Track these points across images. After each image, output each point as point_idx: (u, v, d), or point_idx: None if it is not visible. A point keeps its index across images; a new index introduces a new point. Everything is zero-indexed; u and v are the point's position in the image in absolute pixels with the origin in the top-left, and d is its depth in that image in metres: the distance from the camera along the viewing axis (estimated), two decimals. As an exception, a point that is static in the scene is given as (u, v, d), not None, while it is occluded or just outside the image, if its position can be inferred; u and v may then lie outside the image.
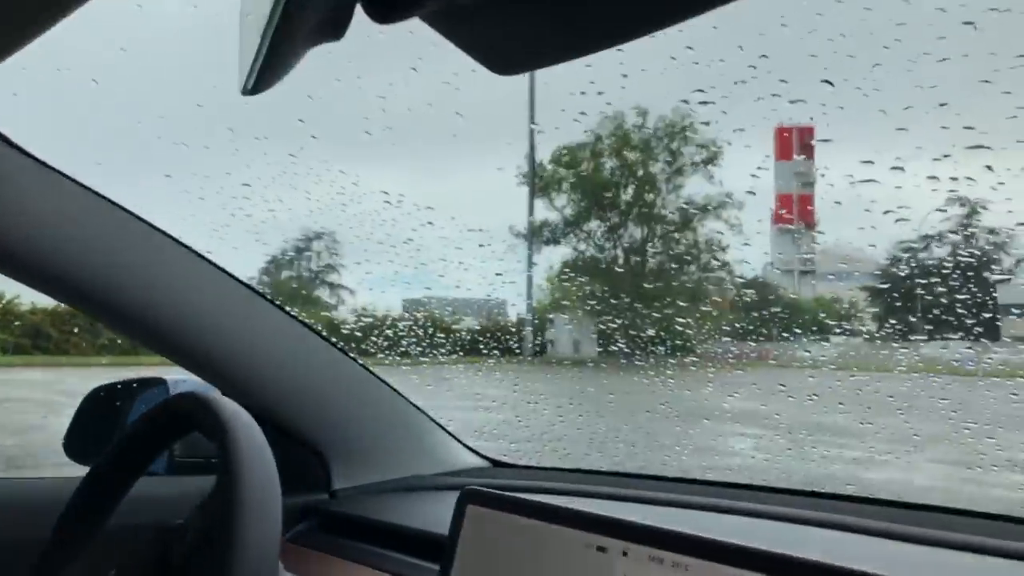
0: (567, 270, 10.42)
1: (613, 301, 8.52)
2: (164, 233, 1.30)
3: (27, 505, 1.38)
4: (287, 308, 1.45)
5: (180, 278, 1.33)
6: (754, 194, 9.53)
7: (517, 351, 8.33)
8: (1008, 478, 2.99)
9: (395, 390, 1.60)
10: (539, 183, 10.29)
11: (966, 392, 3.13)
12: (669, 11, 0.43)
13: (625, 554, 0.76)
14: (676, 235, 10.59)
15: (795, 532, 1.16)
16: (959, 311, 3.41)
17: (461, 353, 6.77)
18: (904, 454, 3.40)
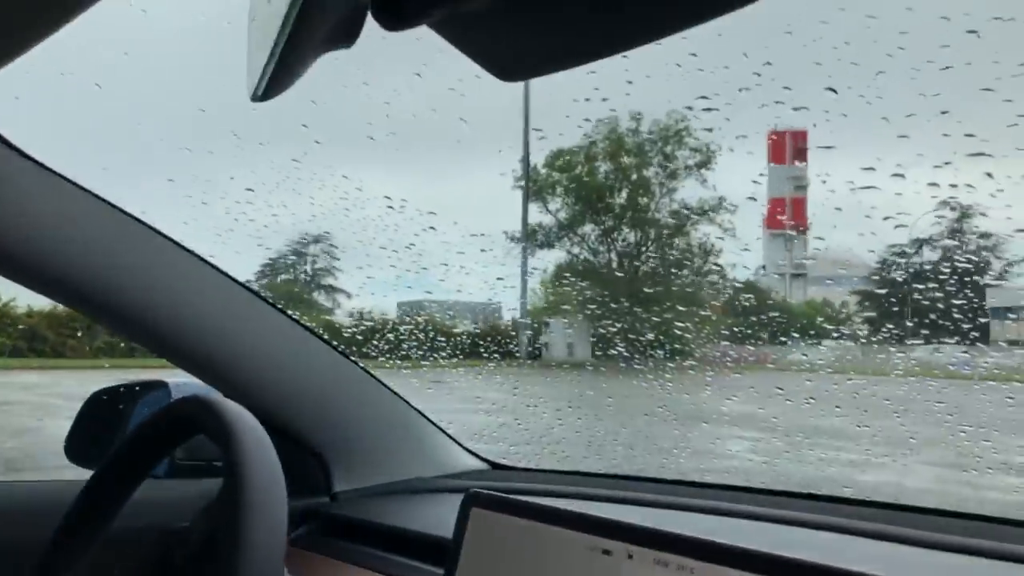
0: (563, 274, 10.43)
1: (610, 305, 8.53)
2: (164, 236, 1.30)
3: (28, 509, 1.38)
4: (288, 311, 1.46)
5: (181, 280, 1.33)
6: (755, 200, 9.56)
7: (513, 354, 8.33)
8: (1003, 481, 3.01)
9: (395, 393, 1.61)
10: (533, 187, 10.29)
11: (962, 396, 3.14)
12: (673, 19, 0.44)
13: (630, 557, 0.77)
14: (671, 239, 10.61)
15: (793, 534, 1.17)
16: (953, 315, 3.43)
17: (461, 356, 6.77)
18: (900, 456, 3.41)
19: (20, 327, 7.32)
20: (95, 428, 1.52)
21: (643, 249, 10.71)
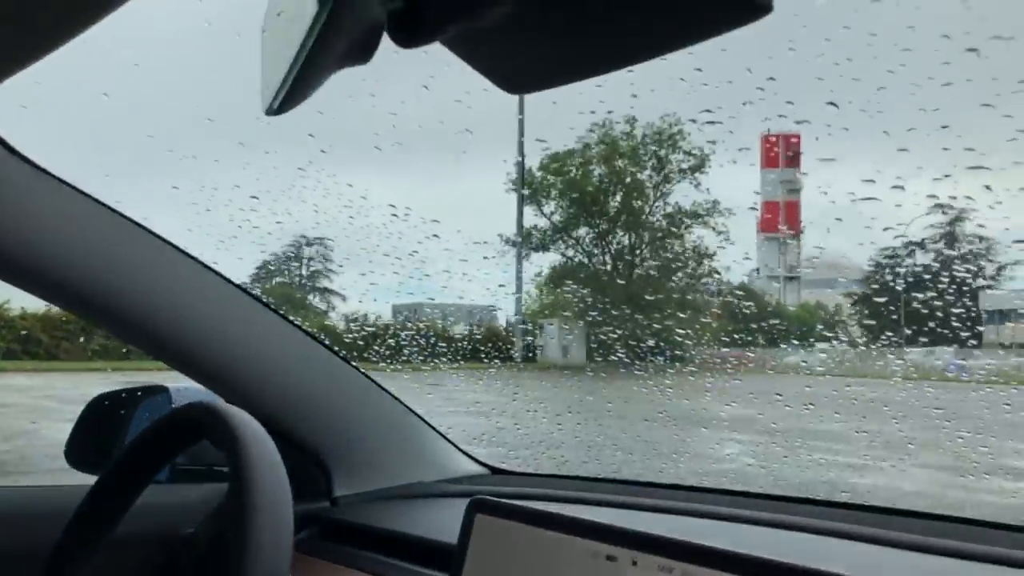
0: (559, 276, 10.45)
1: (605, 307, 8.54)
2: (165, 241, 1.31)
3: (27, 514, 1.38)
4: (289, 316, 1.46)
5: (182, 285, 1.34)
6: (755, 209, 9.66)
7: (510, 357, 8.35)
8: (999, 484, 3.02)
9: (395, 397, 1.61)
10: (528, 191, 10.31)
11: (957, 400, 3.16)
12: (678, 35, 0.44)
13: (635, 564, 0.78)
14: (665, 241, 10.63)
15: (791, 539, 1.18)
16: (950, 319, 3.44)
17: (459, 360, 6.78)
18: (898, 461, 3.43)
19: (14, 329, 7.30)
20: (96, 433, 1.51)
21: (637, 252, 10.73)
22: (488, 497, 0.93)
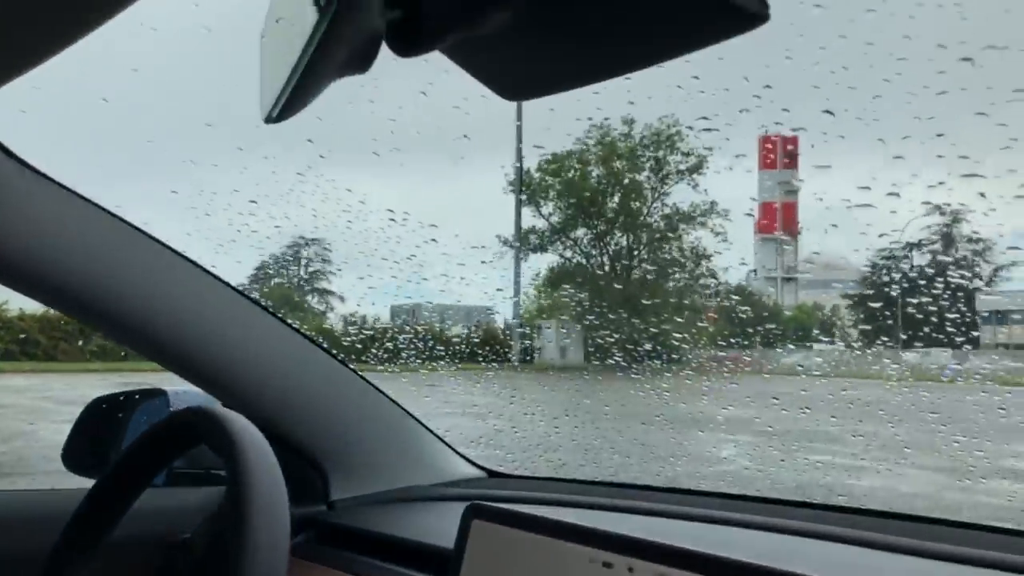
0: (556, 279, 10.45)
1: (602, 309, 8.55)
2: (164, 244, 1.31)
3: (24, 518, 1.38)
4: (287, 319, 1.47)
5: (180, 289, 1.34)
6: (752, 215, 9.73)
7: (508, 358, 8.35)
8: (997, 485, 3.03)
9: (392, 400, 1.61)
10: (526, 192, 10.31)
11: (954, 401, 3.17)
12: (676, 43, 0.45)
13: (631, 570, 0.78)
14: (662, 243, 10.63)
15: (786, 543, 1.18)
16: (945, 321, 3.45)
17: (457, 361, 6.78)
18: (894, 465, 3.43)
19: (12, 330, 7.29)
20: (93, 436, 1.51)
21: (635, 254, 10.73)
22: (485, 503, 0.93)
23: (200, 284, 1.36)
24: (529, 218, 10.58)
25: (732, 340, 6.74)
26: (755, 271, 11.71)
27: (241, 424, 0.88)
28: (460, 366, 6.84)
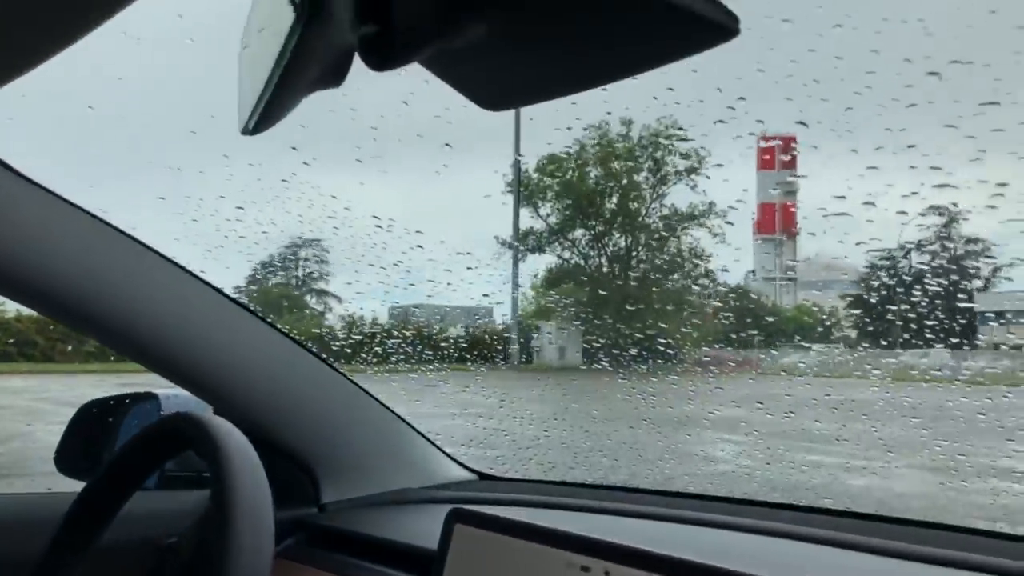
0: (554, 279, 10.45)
1: (600, 310, 8.54)
2: (151, 249, 1.31)
3: (17, 521, 1.38)
4: (277, 324, 1.47)
5: (168, 293, 1.34)
6: (732, 224, 9.81)
7: (506, 358, 8.35)
8: (993, 485, 3.04)
9: (382, 404, 1.62)
10: (524, 192, 10.31)
11: (950, 401, 3.17)
12: (649, 56, 0.45)
13: (607, 574, 0.78)
14: (660, 243, 10.64)
15: (773, 546, 1.19)
16: (942, 320, 3.46)
17: (455, 361, 6.77)
18: (885, 464, 3.44)
19: (9, 331, 7.29)
20: (85, 440, 1.52)
21: (633, 254, 10.73)
22: (467, 507, 0.94)
23: (187, 288, 1.36)
24: (527, 219, 10.59)
25: (731, 337, 6.75)
26: (753, 272, 11.71)
27: (226, 429, 0.89)
28: (458, 367, 6.84)
